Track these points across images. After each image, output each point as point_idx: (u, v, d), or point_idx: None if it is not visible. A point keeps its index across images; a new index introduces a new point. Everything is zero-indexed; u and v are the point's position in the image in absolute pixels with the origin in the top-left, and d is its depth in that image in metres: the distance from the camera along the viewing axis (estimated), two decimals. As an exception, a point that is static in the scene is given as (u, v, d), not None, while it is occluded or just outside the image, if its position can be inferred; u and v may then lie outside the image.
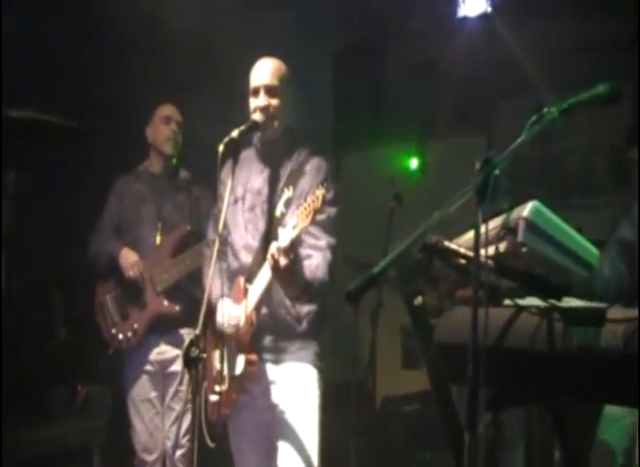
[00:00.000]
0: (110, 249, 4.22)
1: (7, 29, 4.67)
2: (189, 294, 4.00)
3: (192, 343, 2.66)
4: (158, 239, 4.18)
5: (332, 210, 3.09)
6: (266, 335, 3.09)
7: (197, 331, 2.71)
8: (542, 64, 5.09)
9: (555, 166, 5.56)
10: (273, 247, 2.82)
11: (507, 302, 2.16)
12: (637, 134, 3.53)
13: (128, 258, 4.15)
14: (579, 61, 5.05)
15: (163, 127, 4.27)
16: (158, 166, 4.32)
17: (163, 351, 4.16)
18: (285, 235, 2.79)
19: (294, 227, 2.76)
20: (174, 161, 4.29)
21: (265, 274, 2.96)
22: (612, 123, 4.74)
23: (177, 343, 4.07)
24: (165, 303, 4.11)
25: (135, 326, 4.13)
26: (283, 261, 2.79)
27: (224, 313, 3.08)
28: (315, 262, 3.04)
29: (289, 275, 2.88)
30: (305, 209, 2.70)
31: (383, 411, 5.28)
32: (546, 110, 2.16)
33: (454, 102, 5.37)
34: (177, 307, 4.08)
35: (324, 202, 2.69)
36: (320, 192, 2.68)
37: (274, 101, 3.15)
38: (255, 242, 3.16)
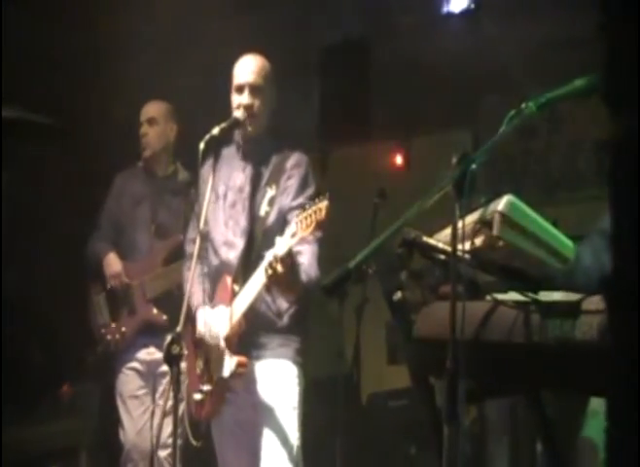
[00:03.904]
0: (98, 253, 4.21)
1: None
2: (178, 302, 3.96)
3: (172, 341, 2.66)
4: (151, 244, 4.15)
5: None
6: (247, 330, 3.08)
7: (179, 328, 2.71)
8: (526, 60, 5.10)
9: (540, 160, 5.57)
10: (270, 255, 2.81)
11: (488, 297, 2.17)
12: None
13: (111, 267, 4.14)
14: (563, 56, 5.05)
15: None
16: (152, 167, 4.28)
17: (152, 352, 4.14)
18: (282, 244, 2.78)
19: (293, 235, 2.74)
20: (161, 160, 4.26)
21: (256, 282, 2.94)
22: (596, 116, 4.74)
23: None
24: (154, 311, 4.08)
25: (124, 330, 4.13)
26: (281, 269, 2.79)
27: (207, 321, 3.08)
28: (306, 259, 3.04)
29: (287, 283, 2.89)
30: (306, 219, 2.68)
31: (370, 406, 5.28)
32: (524, 105, 2.18)
33: (439, 98, 5.38)
34: (165, 317, 4.04)
35: (327, 215, 2.66)
36: (324, 204, 2.65)
37: (258, 100, 3.16)
38: (235, 238, 3.15)
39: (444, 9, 5.40)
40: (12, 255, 4.83)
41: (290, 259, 2.80)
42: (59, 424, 5.00)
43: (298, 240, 2.75)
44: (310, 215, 2.67)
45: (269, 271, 2.80)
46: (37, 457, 4.76)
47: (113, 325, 4.16)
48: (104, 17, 5.00)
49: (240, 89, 3.16)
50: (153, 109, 4.25)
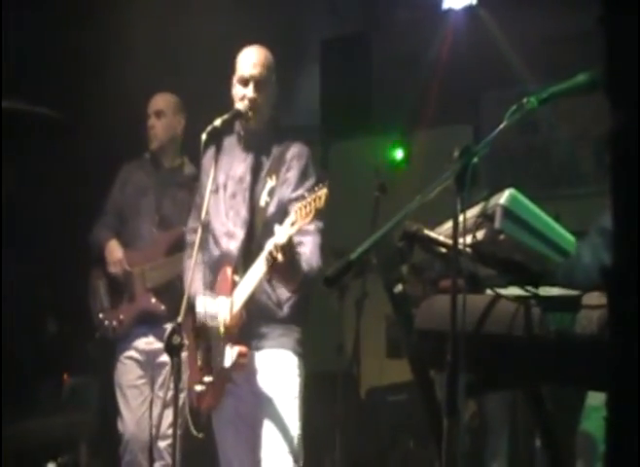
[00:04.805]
0: (100, 239, 4.22)
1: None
2: (179, 293, 3.96)
3: (173, 331, 2.67)
4: (154, 234, 4.16)
5: None
6: (248, 321, 3.08)
7: (179, 319, 2.72)
8: (526, 55, 5.11)
9: (541, 156, 5.58)
10: (270, 244, 2.81)
11: (488, 291, 2.18)
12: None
13: (113, 253, 4.14)
14: (564, 52, 5.06)
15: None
16: (159, 159, 4.28)
17: (151, 342, 4.13)
18: (282, 232, 2.77)
19: (292, 223, 2.73)
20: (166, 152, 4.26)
21: (256, 271, 2.93)
22: (598, 112, 4.75)
23: (163, 337, 4.06)
24: (153, 300, 4.08)
25: (122, 317, 4.12)
26: (281, 258, 2.78)
27: (206, 306, 3.08)
28: (308, 249, 3.03)
29: (288, 271, 2.88)
30: (305, 207, 2.67)
31: (369, 400, 5.30)
32: (525, 100, 2.18)
33: (440, 93, 5.38)
34: (163, 307, 4.04)
35: (327, 202, 2.65)
36: (323, 191, 2.64)
37: (262, 93, 3.15)
38: (236, 229, 3.16)
39: (446, 4, 5.41)
40: (10, 250, 4.84)
41: (290, 247, 2.80)
42: (59, 416, 5.01)
43: (298, 229, 2.75)
44: (310, 203, 2.66)
45: (270, 260, 2.80)
46: (37, 449, 4.76)
47: (112, 311, 4.16)
48: (108, 12, 5.00)
49: (245, 82, 3.15)
50: (160, 101, 4.25)
